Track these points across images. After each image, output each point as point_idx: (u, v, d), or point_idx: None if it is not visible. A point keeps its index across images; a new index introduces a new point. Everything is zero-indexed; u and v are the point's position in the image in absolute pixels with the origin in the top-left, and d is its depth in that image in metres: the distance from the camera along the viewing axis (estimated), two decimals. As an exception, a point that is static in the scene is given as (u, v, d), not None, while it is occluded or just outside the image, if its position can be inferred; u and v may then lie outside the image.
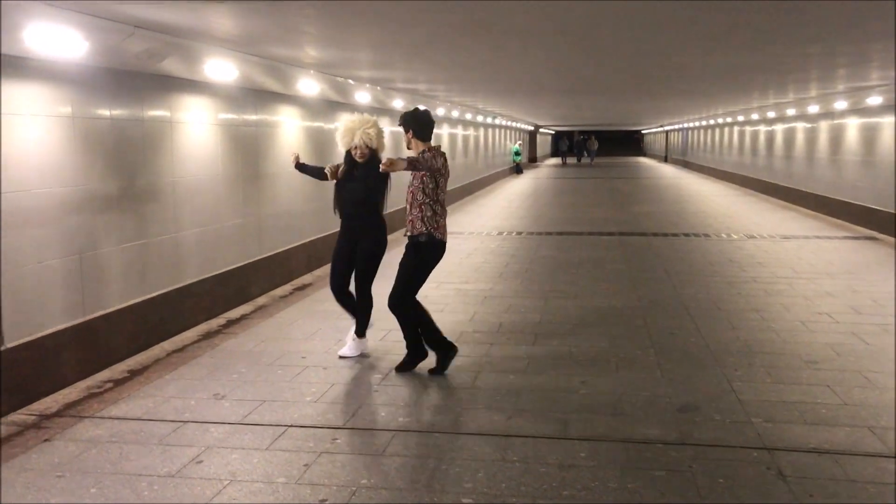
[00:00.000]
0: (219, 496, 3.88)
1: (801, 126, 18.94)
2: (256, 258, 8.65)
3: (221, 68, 7.23)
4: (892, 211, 13.05)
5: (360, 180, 6.07)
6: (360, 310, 6.27)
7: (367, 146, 6.03)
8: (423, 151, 5.76)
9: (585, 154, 50.07)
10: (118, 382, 5.74)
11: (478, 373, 5.88)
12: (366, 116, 6.09)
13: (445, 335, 5.97)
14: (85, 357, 5.80)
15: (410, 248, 5.84)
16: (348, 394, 5.47)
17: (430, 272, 5.90)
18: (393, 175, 6.18)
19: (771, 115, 20.66)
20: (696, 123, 34.44)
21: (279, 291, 8.99)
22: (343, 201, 6.12)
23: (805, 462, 4.23)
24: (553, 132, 59.07)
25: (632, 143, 69.29)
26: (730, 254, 11.51)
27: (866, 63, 9.65)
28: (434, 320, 5.92)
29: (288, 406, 5.20)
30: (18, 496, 3.91)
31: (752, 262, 10.70)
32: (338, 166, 6.25)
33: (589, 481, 4.01)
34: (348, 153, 6.10)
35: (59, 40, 5.02)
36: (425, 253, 5.80)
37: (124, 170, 6.38)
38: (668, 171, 37.77)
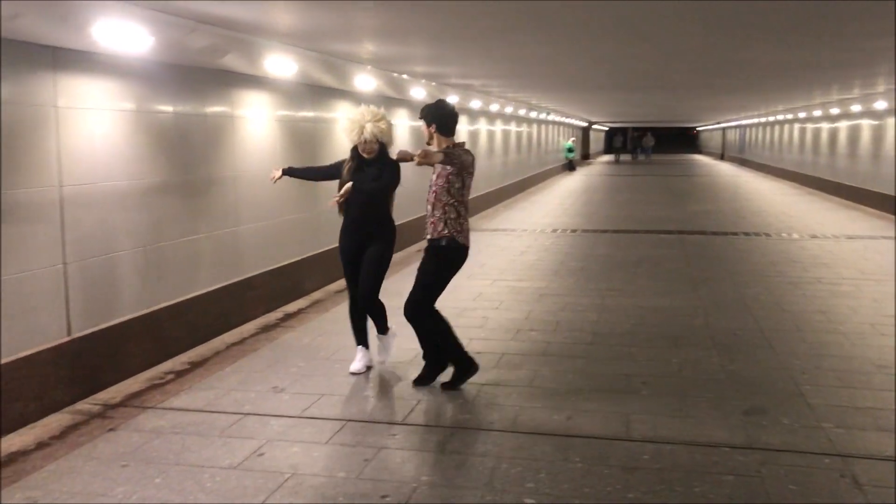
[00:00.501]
0: (280, 489, 3.88)
1: (866, 123, 18.38)
2: (312, 253, 8.69)
3: (281, 64, 7.27)
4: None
5: (371, 177, 5.58)
6: (373, 315, 5.79)
7: (378, 141, 5.58)
8: (447, 148, 5.29)
9: (640, 151, 48.72)
10: (179, 374, 5.82)
11: (536, 371, 5.81)
12: (373, 109, 5.63)
13: (469, 346, 5.58)
14: (148, 348, 5.89)
15: (430, 253, 5.37)
16: (405, 390, 5.45)
17: (450, 279, 5.41)
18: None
19: (834, 111, 20.08)
20: (755, 120, 33.70)
21: (334, 286, 9.02)
22: (352, 200, 5.55)
23: (881, 470, 4.07)
24: (606, 129, 58.43)
25: (686, 139, 68.18)
26: (792, 254, 11.21)
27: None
28: (454, 332, 5.43)
29: (346, 400, 5.20)
30: (85, 483, 3.97)
31: (816, 263, 10.39)
32: (341, 162, 5.77)
33: (654, 484, 3.91)
34: (355, 149, 5.62)
35: (125, 36, 5.08)
36: (446, 258, 5.33)
37: (186, 164, 6.46)
38: (724, 169, 37.06)
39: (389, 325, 5.91)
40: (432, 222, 5.33)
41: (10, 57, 4.63)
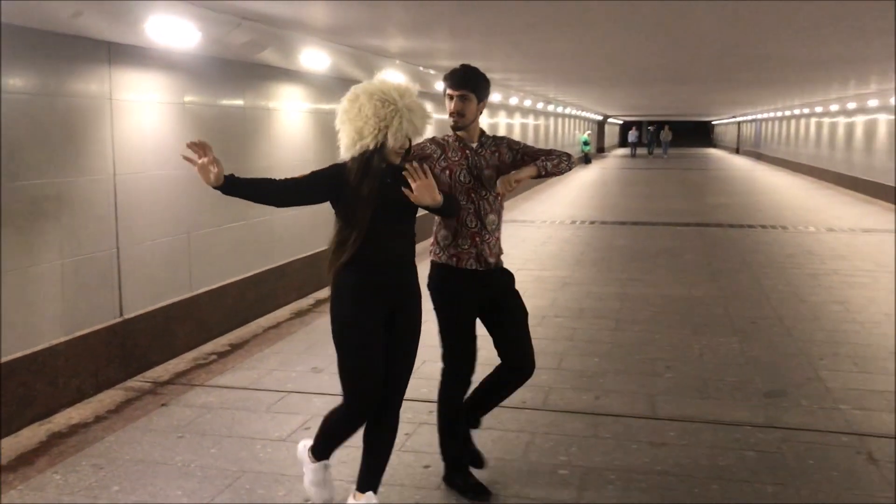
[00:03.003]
0: (329, 458, 4.14)
1: (883, 118, 18.46)
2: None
3: (315, 58, 7.52)
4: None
5: (399, 195, 3.30)
6: (391, 435, 3.62)
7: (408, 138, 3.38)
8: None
9: (657, 145, 46.25)
10: (221, 355, 6.09)
11: (563, 356, 6.04)
12: (401, 85, 3.41)
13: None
14: (191, 330, 6.16)
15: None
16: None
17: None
18: None
19: (851, 105, 20.16)
20: (771, 114, 33.72)
21: (362, 274, 9.27)
22: (375, 234, 3.26)
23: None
24: (621, 122, 58.34)
25: (702, 133, 68.05)
26: (809, 246, 11.38)
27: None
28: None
29: (383, 381, 5.45)
30: (146, 452, 4.25)
31: (833, 255, 10.57)
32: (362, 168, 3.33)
33: (681, 458, 4.15)
34: (372, 153, 3.28)
35: (176, 31, 5.34)
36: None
37: (227, 154, 6.67)
38: (740, 163, 37.07)
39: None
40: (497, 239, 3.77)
41: (71, 52, 4.90)
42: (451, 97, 3.69)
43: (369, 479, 3.47)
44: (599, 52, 9.92)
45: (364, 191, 3.24)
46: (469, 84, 3.66)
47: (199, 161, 3.30)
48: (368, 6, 6.07)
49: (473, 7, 6.23)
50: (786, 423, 4.65)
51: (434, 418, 4.72)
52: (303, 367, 5.75)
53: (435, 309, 3.73)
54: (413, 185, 3.24)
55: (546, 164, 3.67)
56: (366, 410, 3.42)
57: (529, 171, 3.62)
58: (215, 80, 6.51)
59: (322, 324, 7.01)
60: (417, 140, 3.52)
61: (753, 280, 8.89)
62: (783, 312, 7.34)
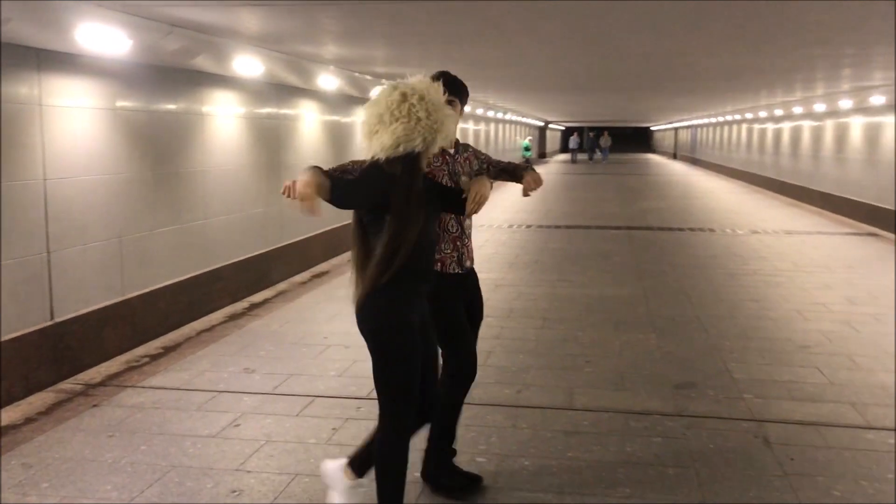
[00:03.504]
0: (257, 453, 4.29)
1: (807, 124, 19.25)
2: (277, 246, 9.06)
3: (248, 64, 7.64)
4: (893, 208, 13.37)
5: (430, 197, 3.30)
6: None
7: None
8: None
9: (598, 151, 47.15)
10: (154, 357, 6.17)
11: (490, 353, 6.28)
12: (431, 86, 3.19)
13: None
14: (124, 333, 6.23)
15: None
16: (369, 370, 5.85)
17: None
18: None
19: (778, 112, 20.96)
20: (705, 121, 34.69)
21: (298, 278, 9.40)
22: (424, 238, 3.22)
23: (790, 432, 4.62)
24: (563, 128, 59.25)
25: (641, 139, 69.46)
26: (733, 248, 11.87)
27: (869, 64, 9.98)
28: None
29: (314, 379, 5.61)
30: (76, 451, 4.34)
31: (755, 256, 11.05)
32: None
33: (592, 445, 4.41)
34: (418, 156, 3.15)
35: (106, 38, 5.43)
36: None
37: (160, 159, 6.79)
38: (676, 168, 38.03)
39: None
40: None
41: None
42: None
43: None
44: (533, 61, 10.22)
45: (414, 196, 3.11)
46: (455, 90, 3.70)
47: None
48: (300, 15, 6.23)
49: (407, 17, 6.44)
50: (692, 411, 4.96)
51: (360, 414, 4.92)
52: (235, 367, 5.88)
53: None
54: (478, 199, 3.31)
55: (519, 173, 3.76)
56: (409, 425, 3.33)
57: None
58: (148, 86, 6.59)
59: (256, 326, 7.13)
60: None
61: (676, 280, 9.28)
62: (701, 310, 7.71)
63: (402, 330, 3.18)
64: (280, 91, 9.22)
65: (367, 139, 3.16)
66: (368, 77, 11.54)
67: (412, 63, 10.42)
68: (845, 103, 15.34)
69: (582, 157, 47.90)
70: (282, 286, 8.93)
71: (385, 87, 3.17)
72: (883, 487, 3.93)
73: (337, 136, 11.24)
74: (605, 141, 46.05)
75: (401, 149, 3.07)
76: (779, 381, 5.54)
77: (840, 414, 4.92)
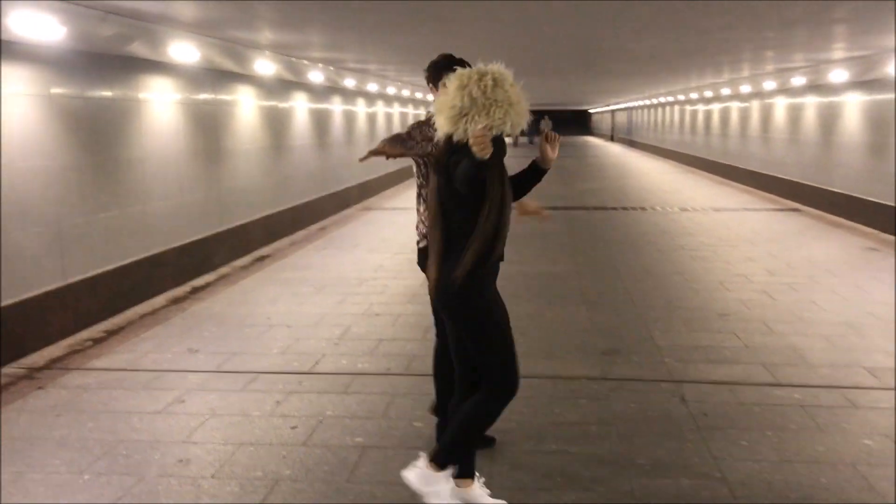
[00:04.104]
0: (202, 427, 4.47)
1: (735, 105, 19.91)
2: (218, 230, 9.14)
3: (184, 50, 7.70)
4: (815, 184, 14.02)
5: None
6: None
7: None
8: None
9: (538, 134, 47.61)
10: (97, 341, 6.25)
11: (428, 328, 6.51)
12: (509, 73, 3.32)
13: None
14: (66, 318, 6.29)
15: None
16: (312, 347, 6.06)
17: None
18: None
19: (708, 94, 21.61)
20: (640, 103, 35.44)
21: (240, 262, 9.50)
22: (508, 219, 3.36)
23: (705, 391, 4.98)
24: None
25: (580, 122, 70.34)
26: (663, 225, 12.34)
27: (790, 46, 10.46)
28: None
29: (258, 357, 5.78)
30: (22, 430, 4.44)
31: (683, 233, 11.53)
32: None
33: (522, 408, 4.67)
34: (502, 139, 3.26)
35: (39, 26, 5.47)
36: None
37: (97, 145, 6.84)
38: (613, 150, 38.78)
39: None
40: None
41: (-68, 45, 4.97)
42: (445, 85, 3.61)
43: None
44: (468, 46, 10.40)
45: (506, 178, 3.29)
46: None
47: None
48: (235, 2, 6.33)
49: (341, 3, 6.58)
50: (617, 375, 5.28)
51: (303, 388, 5.12)
52: (179, 348, 6.01)
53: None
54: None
55: None
56: (516, 390, 3.43)
57: None
58: (83, 73, 6.62)
59: (198, 309, 7.25)
60: None
61: (608, 257, 9.66)
62: (630, 284, 8.08)
63: (499, 303, 3.41)
64: (217, 76, 9.27)
65: (452, 122, 3.20)
66: (305, 62, 11.62)
67: (350, 49, 10.55)
68: (769, 84, 15.96)
69: (522, 140, 48.35)
70: (224, 270, 9.03)
71: (467, 70, 3.26)
72: (785, 436, 4.30)
73: (275, 120, 11.31)
74: (546, 124, 46.52)
75: (493, 132, 3.11)
76: (698, 346, 5.91)
77: (752, 374, 5.30)
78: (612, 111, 50.18)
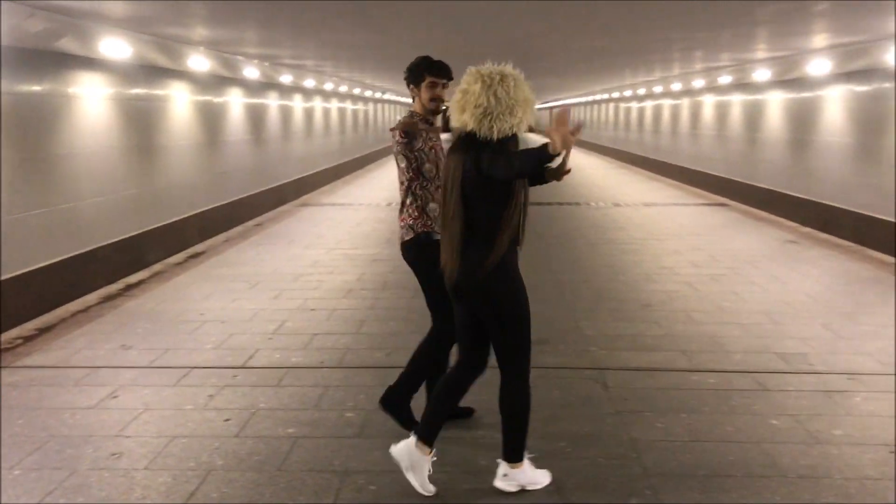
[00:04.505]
0: (135, 421, 4.51)
1: (666, 103, 20.46)
2: (152, 227, 9.09)
3: (115, 46, 7.65)
4: (741, 180, 14.54)
5: None
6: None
7: None
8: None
9: None
10: (28, 339, 6.20)
11: (363, 322, 6.64)
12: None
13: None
14: (-6, 316, 6.22)
15: None
16: (246, 342, 6.12)
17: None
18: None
19: (641, 91, 22.14)
20: (576, 100, 35.99)
21: (174, 259, 9.46)
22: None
23: (626, 377, 5.22)
24: (444, 107, 59.82)
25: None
26: (595, 220, 12.67)
27: (717, 46, 10.85)
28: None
29: (191, 352, 5.82)
30: (-49, 429, 4.42)
31: (614, 227, 11.86)
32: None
33: (451, 397, 4.86)
34: (512, 139, 3.54)
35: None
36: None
37: (27, 141, 6.76)
38: (552, 146, 39.27)
39: None
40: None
41: None
42: (435, 84, 4.19)
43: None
44: (399, 44, 10.56)
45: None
46: (451, 74, 4.19)
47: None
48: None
49: (270, 2, 6.63)
50: (543, 363, 5.46)
51: (237, 382, 5.20)
52: (111, 345, 6.01)
53: (427, 280, 4.20)
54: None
55: None
56: (528, 368, 3.77)
57: None
58: (11, 69, 6.53)
59: (131, 306, 7.23)
60: None
61: (541, 250, 9.89)
62: (560, 276, 8.32)
63: (524, 290, 3.67)
64: (150, 72, 9.20)
65: (477, 120, 3.42)
66: (240, 58, 11.59)
67: (286, 44, 10.57)
68: (698, 83, 16.46)
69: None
70: (157, 267, 8.98)
71: (488, 70, 3.49)
72: (699, 418, 4.55)
73: (210, 116, 11.26)
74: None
75: (513, 129, 3.45)
76: (623, 335, 6.16)
77: (671, 360, 5.57)
78: (550, 108, 50.82)
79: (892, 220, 9.36)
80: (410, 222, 4.20)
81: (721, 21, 8.10)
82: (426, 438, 3.72)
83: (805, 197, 11.87)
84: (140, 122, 8.93)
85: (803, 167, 11.99)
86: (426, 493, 3.66)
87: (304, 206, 14.92)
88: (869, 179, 10.07)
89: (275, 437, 4.31)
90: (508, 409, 3.75)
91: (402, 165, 4.22)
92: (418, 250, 4.22)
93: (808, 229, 11.47)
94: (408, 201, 4.21)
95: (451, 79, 4.20)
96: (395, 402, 4.35)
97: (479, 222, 3.52)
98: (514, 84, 3.46)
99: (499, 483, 3.73)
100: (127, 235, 8.48)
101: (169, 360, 5.65)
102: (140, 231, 8.79)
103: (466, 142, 3.51)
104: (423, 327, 6.41)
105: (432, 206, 4.16)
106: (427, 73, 4.21)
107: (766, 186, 13.39)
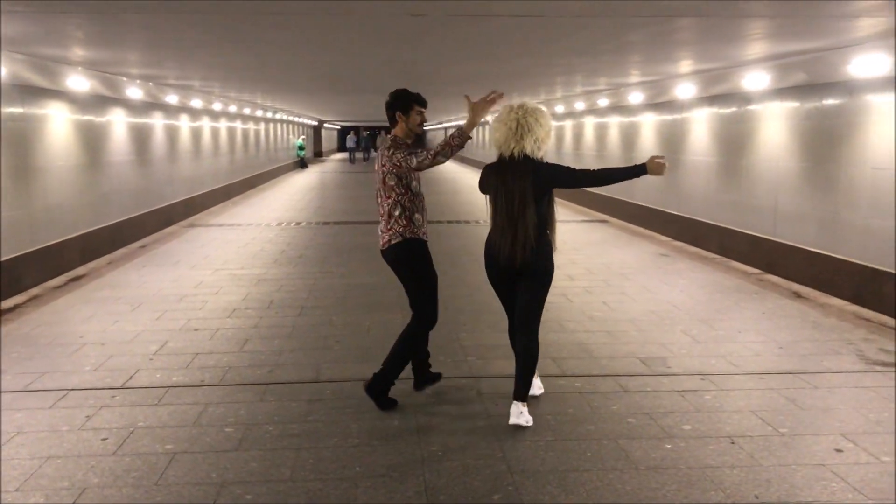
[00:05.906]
0: (8, 443, 4.47)
1: (567, 123, 21.17)
2: (28, 250, 8.85)
3: (-13, 65, 7.48)
4: (620, 198, 15.28)
5: None
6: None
7: None
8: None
9: (372, 150, 48.31)
10: None
11: (246, 340, 6.71)
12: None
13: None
14: None
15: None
16: (126, 363, 6.09)
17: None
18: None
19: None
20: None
21: (53, 282, 9.23)
22: None
23: (499, 384, 5.51)
24: (339, 127, 59.79)
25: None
26: (482, 237, 12.98)
27: (596, 71, 11.42)
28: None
29: (68, 375, 5.76)
30: None
31: (500, 243, 12.23)
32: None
33: (331, 408, 5.03)
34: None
35: None
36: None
37: None
38: (448, 167, 39.84)
39: None
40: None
41: None
42: (421, 112, 5.27)
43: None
44: (278, 66, 10.69)
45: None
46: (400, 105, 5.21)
47: None
48: (41, 21, 6.29)
49: (151, 25, 6.66)
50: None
51: (115, 402, 5.20)
52: (-16, 370, 5.86)
53: (415, 275, 5.28)
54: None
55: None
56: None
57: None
58: None
59: (6, 330, 7.06)
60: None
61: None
62: (445, 291, 8.47)
63: None
64: (25, 92, 8.99)
65: (519, 143, 4.77)
66: (123, 78, 11.43)
67: (169, 66, 10.51)
68: (580, 105, 17.19)
69: (360, 156, 48.50)
70: (35, 291, 8.75)
71: (522, 105, 4.76)
72: (563, 419, 4.87)
73: (92, 136, 11.05)
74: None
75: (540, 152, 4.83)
76: (498, 346, 6.46)
77: (542, 367, 5.86)
78: (445, 128, 51.54)
79: (751, 233, 10.10)
80: (400, 230, 5.10)
81: (598, 47, 8.60)
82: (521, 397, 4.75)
83: (676, 213, 12.61)
84: (15, 143, 8.70)
85: (674, 185, 12.74)
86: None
87: (192, 226, 14.73)
88: (731, 196, 10.83)
89: (153, 453, 4.36)
90: (532, 358, 4.85)
91: (392, 183, 5.09)
92: (408, 251, 5.12)
93: (679, 243, 12.19)
94: (396, 213, 5.10)
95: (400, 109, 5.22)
96: (378, 388, 5.05)
97: (540, 219, 4.73)
98: (540, 114, 4.78)
99: (520, 420, 4.68)
100: (0, 259, 8.24)
101: (45, 383, 5.57)
102: (15, 255, 8.55)
103: (523, 161, 4.75)
104: (307, 343, 6.58)
105: (417, 216, 5.13)
106: (416, 103, 5.20)
107: (642, 203, 14.13)
